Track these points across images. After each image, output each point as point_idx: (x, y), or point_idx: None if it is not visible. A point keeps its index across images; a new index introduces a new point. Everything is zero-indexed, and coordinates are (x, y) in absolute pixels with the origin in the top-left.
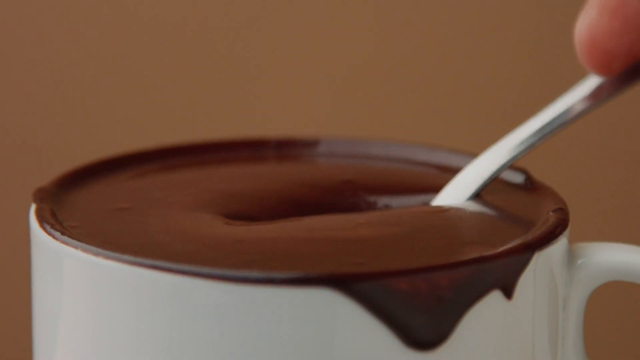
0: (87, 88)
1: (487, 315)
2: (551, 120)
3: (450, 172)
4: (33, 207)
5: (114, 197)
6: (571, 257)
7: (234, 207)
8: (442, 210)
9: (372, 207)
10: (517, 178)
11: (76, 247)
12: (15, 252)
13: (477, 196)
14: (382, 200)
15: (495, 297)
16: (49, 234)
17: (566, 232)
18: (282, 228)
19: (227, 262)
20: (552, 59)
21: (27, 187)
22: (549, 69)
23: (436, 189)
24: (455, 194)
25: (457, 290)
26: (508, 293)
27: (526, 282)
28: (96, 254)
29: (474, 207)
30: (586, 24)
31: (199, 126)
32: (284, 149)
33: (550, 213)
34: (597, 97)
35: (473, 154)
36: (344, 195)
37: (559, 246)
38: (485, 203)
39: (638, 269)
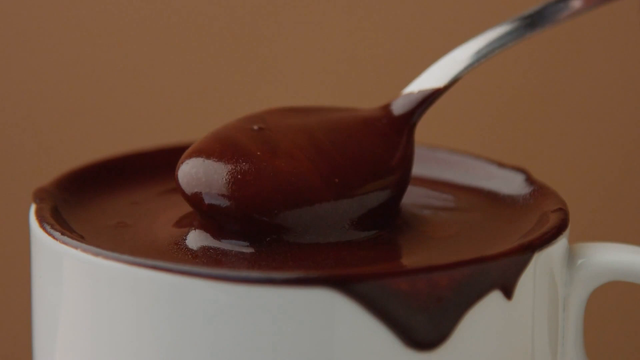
0: (87, 88)
1: (487, 315)
2: (542, 15)
3: (450, 172)
4: (33, 207)
5: (112, 208)
6: (571, 257)
7: None
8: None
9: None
10: (517, 178)
11: (76, 247)
12: (15, 252)
13: (476, 194)
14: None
15: (495, 297)
16: (49, 234)
17: (566, 232)
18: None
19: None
20: (552, 58)
21: (27, 187)
22: (549, 68)
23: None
24: (439, 74)
25: (457, 290)
26: (508, 293)
27: (526, 282)
28: (96, 254)
29: (475, 206)
30: None
31: (199, 126)
32: None
33: (550, 213)
34: (589, 2)
35: (473, 155)
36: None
37: (559, 246)
38: (485, 203)
39: (638, 269)
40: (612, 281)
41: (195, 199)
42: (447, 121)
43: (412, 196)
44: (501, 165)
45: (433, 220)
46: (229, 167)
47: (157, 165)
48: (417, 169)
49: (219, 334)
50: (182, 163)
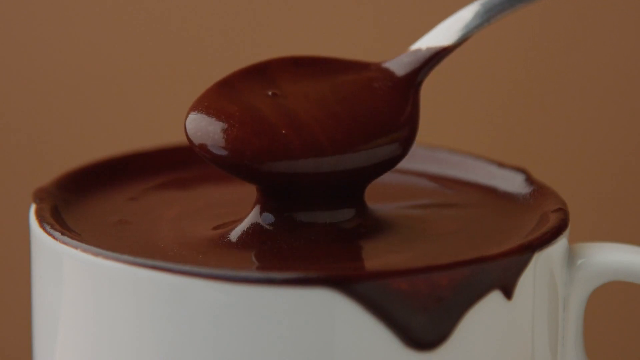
0: (88, 88)
1: (487, 315)
2: None
3: (450, 172)
4: (33, 207)
5: (113, 207)
6: (571, 257)
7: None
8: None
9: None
10: (517, 178)
11: (76, 247)
12: (15, 252)
13: (476, 192)
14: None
15: (495, 297)
16: (49, 234)
17: (566, 232)
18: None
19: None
20: (552, 58)
21: (27, 187)
22: (550, 68)
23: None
24: (448, 33)
25: (457, 290)
26: (508, 293)
27: (526, 282)
28: (96, 254)
29: (475, 203)
30: None
31: None
32: None
33: (550, 213)
34: None
35: (473, 155)
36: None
37: (559, 246)
38: (486, 200)
39: (638, 269)
40: (612, 281)
41: (202, 150)
42: (447, 121)
43: (413, 191)
44: (501, 165)
45: (432, 216)
46: (252, 139)
47: (157, 164)
48: (417, 168)
49: (219, 334)
50: (194, 113)
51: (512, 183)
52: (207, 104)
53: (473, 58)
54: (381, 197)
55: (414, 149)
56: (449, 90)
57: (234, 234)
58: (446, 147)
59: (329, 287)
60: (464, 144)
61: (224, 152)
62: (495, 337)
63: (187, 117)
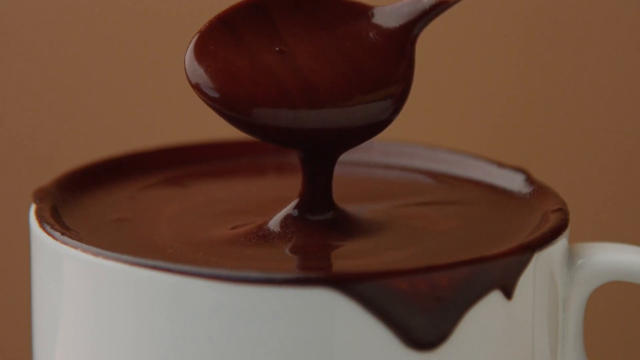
0: (88, 88)
1: (487, 315)
2: None
3: (450, 171)
4: (33, 207)
5: (112, 205)
6: (571, 257)
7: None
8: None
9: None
10: (517, 178)
11: (76, 247)
12: (15, 252)
13: (477, 191)
14: (378, 205)
15: (495, 297)
16: (49, 234)
17: (566, 232)
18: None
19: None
20: (552, 58)
21: (27, 187)
22: (550, 68)
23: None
24: None
25: (457, 291)
26: (508, 293)
27: (526, 282)
28: (96, 254)
29: (475, 204)
30: None
31: (200, 125)
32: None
33: (550, 213)
34: None
35: (473, 154)
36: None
37: (559, 246)
38: (486, 203)
39: (638, 269)
40: (612, 281)
41: (197, 90)
42: (447, 121)
43: (412, 188)
44: (501, 165)
45: (432, 213)
46: (251, 87)
47: (156, 164)
48: (417, 166)
49: (219, 334)
50: (198, 53)
51: (512, 183)
52: (214, 48)
53: (473, 57)
54: (381, 194)
55: (415, 148)
56: (449, 90)
57: (235, 232)
58: (446, 147)
59: (329, 287)
60: (464, 144)
61: (216, 95)
62: (495, 337)
63: (187, 51)
